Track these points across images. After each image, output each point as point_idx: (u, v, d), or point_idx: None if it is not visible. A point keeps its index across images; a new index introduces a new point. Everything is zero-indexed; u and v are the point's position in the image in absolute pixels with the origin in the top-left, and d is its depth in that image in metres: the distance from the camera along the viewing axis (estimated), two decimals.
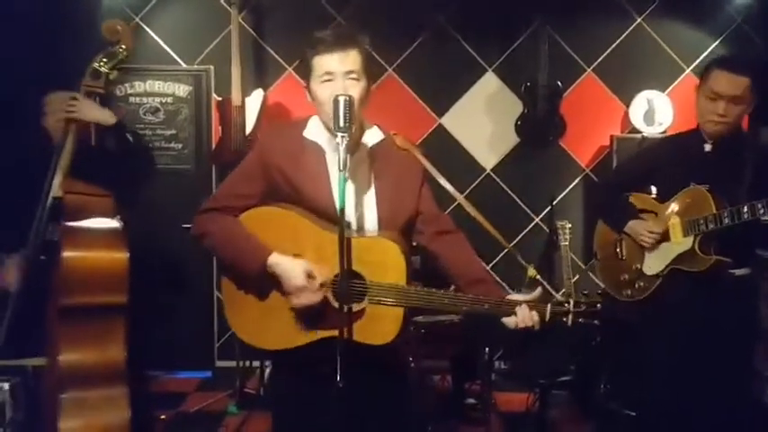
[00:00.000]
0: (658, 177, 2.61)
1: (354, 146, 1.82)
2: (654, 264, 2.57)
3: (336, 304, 1.72)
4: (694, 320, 2.43)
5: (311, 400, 1.81)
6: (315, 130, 1.84)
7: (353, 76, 1.75)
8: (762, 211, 2.22)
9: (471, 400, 3.70)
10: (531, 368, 3.51)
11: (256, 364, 4.03)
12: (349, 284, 1.70)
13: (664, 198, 2.57)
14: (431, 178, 1.95)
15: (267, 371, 4.11)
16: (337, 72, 1.74)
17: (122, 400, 2.11)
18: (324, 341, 1.75)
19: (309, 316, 1.77)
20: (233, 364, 4.07)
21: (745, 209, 2.26)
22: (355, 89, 1.74)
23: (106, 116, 2.47)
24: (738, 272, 2.43)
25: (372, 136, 1.87)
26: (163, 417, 3.59)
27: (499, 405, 3.77)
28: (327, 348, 1.66)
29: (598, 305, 1.77)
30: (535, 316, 1.75)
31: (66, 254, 2.09)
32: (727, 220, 2.31)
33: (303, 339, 1.79)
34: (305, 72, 1.80)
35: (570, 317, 1.76)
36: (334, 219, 1.68)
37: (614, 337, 3.52)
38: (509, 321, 1.77)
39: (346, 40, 1.75)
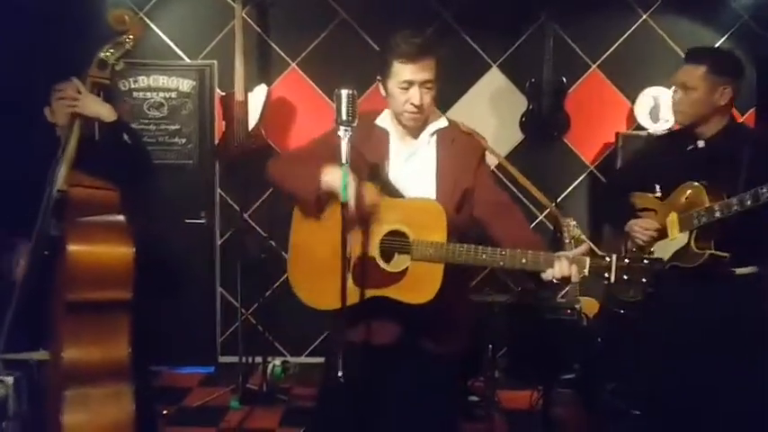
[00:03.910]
0: (657, 176, 2.60)
1: (418, 132, 2.03)
2: None
3: (384, 264, 1.87)
4: (694, 319, 2.41)
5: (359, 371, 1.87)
6: (386, 119, 2.06)
7: (429, 85, 1.93)
8: (749, 202, 2.21)
9: (474, 398, 3.70)
10: (535, 366, 3.50)
11: (259, 359, 4.03)
12: (394, 242, 1.88)
13: (665, 196, 2.56)
14: None
15: (270, 366, 4.11)
16: (415, 81, 1.91)
17: (126, 396, 2.11)
18: (373, 302, 1.87)
19: (359, 276, 1.88)
20: (236, 359, 4.08)
21: (735, 201, 2.25)
22: (428, 96, 1.94)
23: (106, 112, 2.43)
24: (741, 270, 2.40)
25: (437, 122, 2.05)
26: (165, 411, 3.60)
27: (503, 403, 3.76)
28: (382, 306, 1.82)
29: (644, 260, 1.70)
30: (573, 268, 1.74)
31: (72, 248, 2.08)
32: (718, 214, 2.29)
33: (353, 299, 1.88)
34: (382, 68, 1.97)
35: (613, 271, 1.71)
36: (388, 190, 1.90)
37: (618, 335, 3.51)
38: (546, 274, 1.79)
39: (427, 51, 1.92)
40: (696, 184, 2.39)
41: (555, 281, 1.77)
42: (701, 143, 2.46)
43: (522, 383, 3.74)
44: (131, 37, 2.36)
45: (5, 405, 2.24)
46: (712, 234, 2.36)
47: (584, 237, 1.95)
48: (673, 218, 2.46)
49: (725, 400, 2.37)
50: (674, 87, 2.48)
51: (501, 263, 1.82)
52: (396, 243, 1.88)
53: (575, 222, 3.83)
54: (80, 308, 2.09)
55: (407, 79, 1.91)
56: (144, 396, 2.28)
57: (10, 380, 2.23)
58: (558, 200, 4.28)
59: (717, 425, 2.40)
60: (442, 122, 2.05)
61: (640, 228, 2.54)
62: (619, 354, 3.50)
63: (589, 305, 3.75)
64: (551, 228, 4.35)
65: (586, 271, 1.74)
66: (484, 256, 1.81)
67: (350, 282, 1.86)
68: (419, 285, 1.84)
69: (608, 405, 3.46)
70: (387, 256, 1.90)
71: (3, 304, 2.33)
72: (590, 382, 3.61)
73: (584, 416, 3.62)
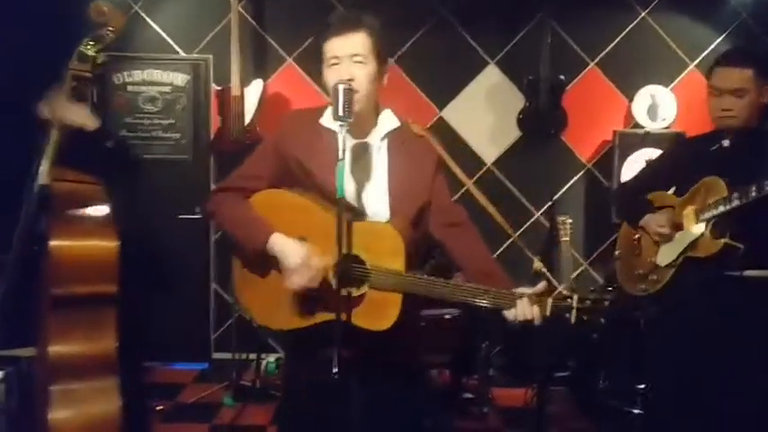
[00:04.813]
0: (679, 178, 2.60)
1: (368, 131, 1.84)
2: (667, 254, 2.54)
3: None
4: (706, 317, 2.40)
5: (320, 387, 1.78)
6: (331, 118, 1.80)
7: (359, 59, 1.74)
8: None
9: (469, 395, 3.69)
10: (530, 363, 3.49)
11: (253, 356, 4.01)
12: (351, 269, 1.71)
13: (682, 194, 2.56)
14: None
15: (263, 363, 4.10)
16: (342, 56, 1.74)
17: (113, 391, 2.08)
18: (330, 325, 1.73)
19: (313, 299, 1.76)
20: (229, 356, 4.06)
21: (753, 187, 2.23)
22: (361, 72, 1.74)
23: (86, 120, 2.31)
24: (750, 273, 2.36)
25: (388, 122, 1.86)
26: (159, 408, 3.59)
27: (497, 400, 3.76)
28: (332, 333, 1.66)
29: (605, 302, 1.69)
30: (535, 310, 1.70)
31: (54, 243, 2.05)
32: (736, 201, 2.27)
33: (306, 321, 1.80)
34: (320, 59, 1.80)
35: (573, 313, 1.69)
36: (344, 207, 1.69)
37: (614, 332, 3.51)
38: (509, 314, 1.73)
39: (352, 22, 1.76)
40: (716, 177, 2.38)
41: (518, 322, 1.72)
42: (726, 142, 2.45)
43: (517, 381, 3.73)
44: (112, 29, 2.33)
45: None
46: (728, 227, 2.34)
47: (544, 270, 1.90)
48: (689, 210, 2.46)
49: (734, 399, 2.36)
50: (713, 91, 2.39)
51: (462, 297, 1.75)
52: (352, 269, 1.72)
53: (570, 221, 3.83)
54: (65, 302, 2.06)
55: (334, 54, 1.74)
56: (136, 392, 2.26)
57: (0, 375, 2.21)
58: (555, 197, 4.27)
59: (724, 424, 2.39)
60: (393, 123, 1.86)
61: (656, 222, 2.54)
62: (613, 352, 3.50)
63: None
64: (547, 225, 4.34)
65: (548, 312, 1.70)
66: (444, 290, 1.74)
67: (303, 304, 1.77)
68: (378, 312, 1.73)
69: (602, 403, 3.46)
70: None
71: None
72: (584, 379, 3.61)
73: (579, 413, 3.61)
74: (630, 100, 4.33)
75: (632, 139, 4.19)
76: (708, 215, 2.38)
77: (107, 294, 2.10)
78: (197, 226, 4.31)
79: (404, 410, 1.89)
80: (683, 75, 4.39)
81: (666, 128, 4.25)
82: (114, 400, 2.07)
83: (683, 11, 4.36)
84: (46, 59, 3.12)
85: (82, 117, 2.34)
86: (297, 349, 1.94)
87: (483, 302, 1.73)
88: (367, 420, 1.80)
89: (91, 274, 2.07)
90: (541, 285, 1.75)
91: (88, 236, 2.10)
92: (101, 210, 2.17)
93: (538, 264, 1.88)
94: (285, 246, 1.75)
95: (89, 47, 2.30)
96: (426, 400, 2.12)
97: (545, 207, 4.38)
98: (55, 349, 2.05)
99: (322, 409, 1.81)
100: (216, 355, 4.42)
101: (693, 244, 2.44)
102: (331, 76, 1.75)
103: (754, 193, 2.23)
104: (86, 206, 2.16)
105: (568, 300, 1.70)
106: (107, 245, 2.10)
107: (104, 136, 2.42)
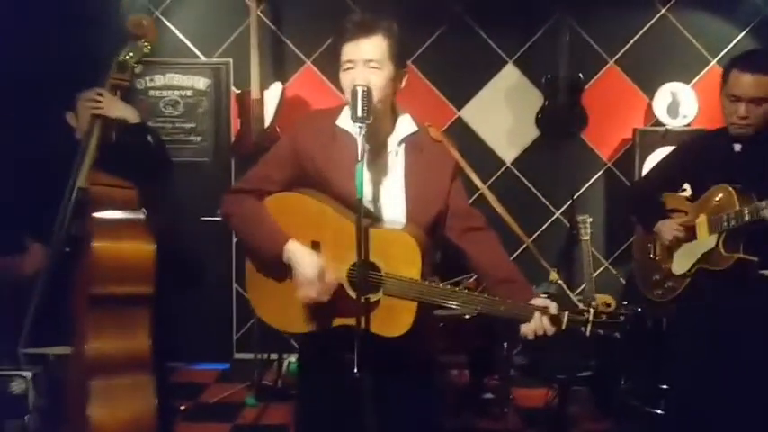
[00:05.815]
0: (690, 176, 2.59)
1: (385, 135, 1.83)
2: (681, 263, 2.55)
3: (353, 294, 1.72)
4: (721, 321, 2.39)
5: (335, 388, 1.81)
6: (347, 119, 1.80)
7: (374, 64, 1.72)
8: None
9: (489, 395, 3.69)
10: (551, 364, 3.48)
11: (274, 356, 4.05)
12: (366, 275, 1.70)
13: (696, 197, 2.55)
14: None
15: (285, 363, 4.13)
16: (357, 60, 1.73)
17: (148, 388, 2.13)
18: (344, 329, 1.74)
19: (326, 303, 1.77)
20: (251, 356, 4.10)
21: (764, 204, 2.22)
22: (376, 77, 1.72)
23: (130, 114, 2.49)
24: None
25: (406, 127, 1.85)
26: (182, 407, 3.64)
27: (517, 400, 3.75)
28: (348, 337, 1.67)
29: (621, 317, 1.71)
30: (547, 323, 1.71)
31: (97, 244, 2.11)
32: (747, 217, 2.27)
33: (319, 326, 1.80)
34: (338, 61, 1.80)
35: (589, 327, 1.72)
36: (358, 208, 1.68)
37: (635, 332, 3.48)
38: (524, 331, 1.75)
39: (367, 27, 1.74)
40: (728, 186, 2.37)
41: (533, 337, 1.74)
42: (737, 147, 2.42)
43: (537, 381, 3.72)
44: (149, 41, 2.42)
45: (26, 399, 2.27)
46: (741, 237, 2.34)
47: (561, 281, 1.91)
48: (702, 219, 2.45)
49: (752, 401, 2.36)
50: (729, 96, 2.35)
51: (478, 307, 1.75)
52: (367, 275, 1.71)
53: (591, 220, 3.81)
54: (104, 301, 2.11)
55: (349, 58, 1.73)
56: (160, 392, 2.30)
57: (29, 374, 2.26)
58: (575, 197, 4.25)
59: (742, 426, 2.38)
60: (411, 127, 1.84)
61: (668, 229, 2.54)
62: (635, 352, 3.48)
63: (605, 302, 3.72)
64: (567, 225, 4.32)
65: (564, 326, 1.72)
66: (459, 299, 1.74)
67: (316, 308, 1.77)
68: (391, 318, 1.72)
69: (623, 404, 3.44)
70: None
71: (23, 300, 2.37)
72: (605, 380, 3.58)
73: (599, 414, 3.59)
74: (651, 98, 4.29)
75: (653, 138, 4.15)
76: (720, 229, 2.37)
77: (143, 295, 2.15)
78: (219, 228, 4.34)
79: (419, 410, 1.89)
80: (703, 72, 4.34)
81: (687, 125, 4.20)
82: (150, 397, 2.12)
83: (703, 7, 4.31)
84: (66, 63, 3.21)
85: (126, 111, 2.48)
86: (310, 351, 1.95)
87: (498, 314, 1.74)
88: (382, 421, 1.80)
89: (130, 275, 2.13)
90: (555, 306, 1.75)
91: (128, 238, 2.16)
92: (138, 213, 2.23)
93: (554, 275, 1.89)
94: (300, 256, 1.74)
95: (128, 57, 2.40)
96: (443, 400, 2.12)
97: (565, 206, 4.36)
98: (92, 346, 2.10)
99: (337, 409, 1.82)
100: (238, 355, 4.46)
101: (706, 256, 2.43)
102: (346, 79, 1.75)
103: (764, 212, 2.21)
104: (125, 209, 2.23)
105: (585, 314, 1.72)
106: (145, 247, 2.16)
107: (146, 130, 2.57)
